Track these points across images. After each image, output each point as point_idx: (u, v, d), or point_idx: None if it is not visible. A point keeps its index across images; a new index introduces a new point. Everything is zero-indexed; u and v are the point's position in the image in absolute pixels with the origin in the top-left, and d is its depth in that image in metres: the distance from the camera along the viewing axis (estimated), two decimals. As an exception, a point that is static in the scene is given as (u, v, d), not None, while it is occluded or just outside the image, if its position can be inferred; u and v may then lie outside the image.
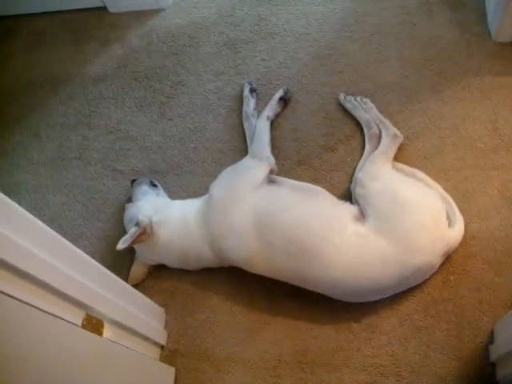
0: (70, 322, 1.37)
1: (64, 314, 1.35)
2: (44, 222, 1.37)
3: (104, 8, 2.92)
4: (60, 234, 1.43)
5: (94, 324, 1.50)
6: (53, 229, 1.40)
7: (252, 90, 2.43)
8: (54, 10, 2.98)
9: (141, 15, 2.86)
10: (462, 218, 2.00)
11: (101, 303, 1.55)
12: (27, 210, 1.31)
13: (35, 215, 1.34)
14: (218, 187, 2.04)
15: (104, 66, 2.75)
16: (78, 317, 1.43)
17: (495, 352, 1.81)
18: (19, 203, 1.28)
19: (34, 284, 1.26)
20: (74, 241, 2.17)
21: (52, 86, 2.74)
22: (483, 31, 2.46)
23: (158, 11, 2.86)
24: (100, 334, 1.52)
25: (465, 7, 2.55)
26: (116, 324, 1.65)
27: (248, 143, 2.29)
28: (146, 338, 1.89)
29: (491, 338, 1.88)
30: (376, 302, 1.96)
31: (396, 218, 1.88)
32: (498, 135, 2.21)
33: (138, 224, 1.98)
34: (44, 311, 1.27)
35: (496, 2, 2.33)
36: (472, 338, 1.90)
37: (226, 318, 2.05)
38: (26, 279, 1.24)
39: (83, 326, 1.43)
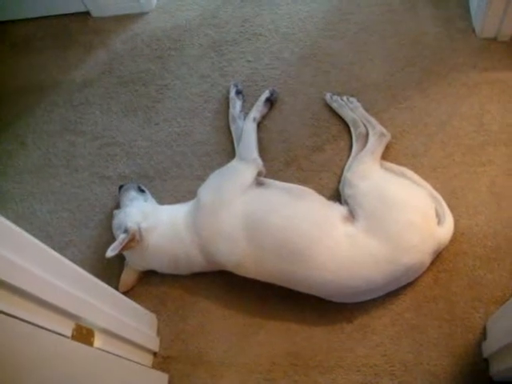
0: (59, 334, 1.35)
1: (53, 326, 1.33)
2: (32, 230, 1.36)
3: (87, 13, 2.91)
4: (48, 242, 1.43)
5: (84, 334, 1.48)
6: (41, 237, 1.38)
7: (238, 92, 2.42)
8: (38, 15, 2.97)
9: (124, 19, 2.85)
10: (451, 216, 2.00)
11: (90, 312, 1.54)
12: (14, 219, 1.29)
13: (23, 224, 1.33)
14: (206, 191, 2.04)
15: (89, 72, 2.73)
16: (67, 328, 1.41)
17: (488, 348, 1.81)
18: (6, 212, 1.27)
19: (20, 296, 1.24)
20: (62, 249, 2.20)
21: (37, 93, 2.72)
22: (467, 27, 2.47)
23: (141, 15, 2.85)
24: (90, 343, 1.51)
25: (448, 3, 2.56)
26: (107, 333, 1.63)
27: (235, 145, 2.28)
28: (138, 346, 1.88)
29: (484, 335, 1.88)
30: (368, 301, 1.96)
31: (385, 217, 1.87)
32: (484, 131, 2.21)
33: (126, 231, 1.97)
34: (32, 324, 1.25)
35: (479, -3, 2.34)
36: (464, 334, 1.90)
37: (219, 323, 2.04)
38: (12, 292, 1.22)
39: (73, 337, 1.41)
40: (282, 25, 2.66)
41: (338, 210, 1.96)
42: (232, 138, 2.34)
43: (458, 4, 2.54)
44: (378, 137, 2.14)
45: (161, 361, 2.02)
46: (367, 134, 2.19)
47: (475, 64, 2.36)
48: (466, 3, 2.52)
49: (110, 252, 1.90)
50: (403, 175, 2.08)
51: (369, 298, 1.94)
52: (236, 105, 2.38)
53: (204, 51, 2.66)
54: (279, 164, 2.28)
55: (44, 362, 1.25)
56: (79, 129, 2.57)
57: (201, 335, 2.04)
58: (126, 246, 1.95)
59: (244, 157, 2.13)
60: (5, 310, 1.17)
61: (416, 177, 2.09)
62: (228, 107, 2.41)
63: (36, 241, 1.36)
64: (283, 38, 2.62)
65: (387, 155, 2.17)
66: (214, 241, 1.94)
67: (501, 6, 2.25)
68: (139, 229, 2.00)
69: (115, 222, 2.10)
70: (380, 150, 2.13)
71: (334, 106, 2.34)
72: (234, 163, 2.14)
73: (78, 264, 1.57)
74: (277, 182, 2.08)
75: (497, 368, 1.76)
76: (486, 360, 1.84)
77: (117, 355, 1.65)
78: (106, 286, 1.74)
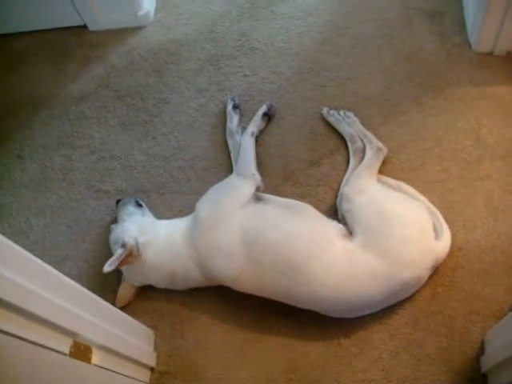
0: (57, 351, 1.34)
1: (51, 343, 1.32)
2: (28, 244, 1.36)
3: (84, 26, 2.91)
4: (45, 256, 1.42)
5: (81, 351, 1.47)
6: (37, 251, 1.38)
7: (235, 107, 2.42)
8: (34, 29, 2.96)
9: (121, 33, 2.86)
10: (448, 230, 2.00)
11: (88, 329, 1.53)
12: (10, 233, 1.29)
13: (19, 238, 1.32)
14: (204, 206, 2.03)
15: (86, 85, 2.73)
16: (65, 345, 1.40)
17: (486, 363, 1.81)
18: (2, 227, 1.26)
19: (16, 313, 1.23)
20: (59, 263, 2.19)
21: (34, 107, 2.72)
22: (463, 42, 2.48)
23: (138, 29, 2.85)
24: (88, 360, 1.50)
25: (444, 18, 2.57)
26: (104, 349, 1.62)
27: (233, 160, 2.28)
28: (136, 361, 1.87)
29: (482, 349, 1.87)
30: (365, 316, 1.95)
31: (383, 232, 1.88)
32: (481, 145, 2.22)
33: (124, 245, 1.95)
34: (29, 341, 1.24)
35: (474, 12, 2.36)
36: (462, 349, 1.89)
37: (216, 338, 2.04)
38: (8, 309, 1.20)
39: (71, 354, 1.41)
40: (279, 39, 2.67)
41: (335, 226, 1.96)
42: (229, 152, 2.34)
43: (454, 19, 2.55)
44: (375, 151, 2.15)
45: (158, 376, 2.00)
46: (364, 149, 2.19)
47: (471, 79, 2.38)
48: (462, 18, 2.54)
49: (108, 267, 1.89)
50: (400, 189, 2.09)
51: (367, 312, 1.94)
52: (233, 119, 2.38)
53: (201, 65, 2.66)
54: (277, 179, 2.29)
55: (42, 380, 1.25)
56: (76, 142, 2.57)
57: (198, 350, 2.03)
58: (124, 261, 1.95)
59: (242, 172, 2.13)
60: (1, 327, 1.16)
61: (413, 191, 2.10)
62: (225, 121, 2.41)
63: (32, 256, 1.35)
64: (280, 52, 2.63)
65: (384, 169, 2.17)
66: (211, 256, 1.93)
67: (496, 20, 2.26)
68: (137, 243, 1.99)
69: (112, 236, 2.09)
70: (377, 164, 2.13)
71: (331, 120, 2.34)
72: (232, 178, 2.14)
73: (74, 279, 1.57)
74: (275, 198, 2.07)
75: (495, 383, 1.76)
76: (484, 375, 1.83)
77: (114, 371, 1.65)
78: (103, 301, 1.73)
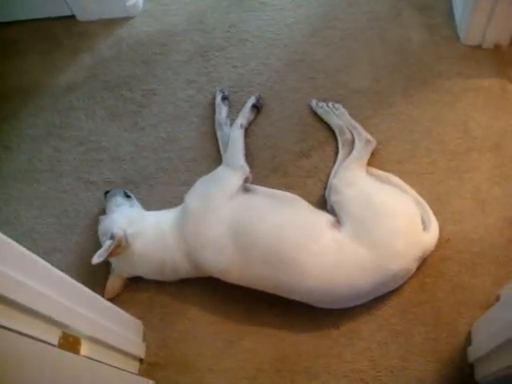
0: (45, 342, 1.34)
1: (39, 335, 1.32)
2: (16, 236, 1.35)
3: (73, 17, 2.88)
4: (33, 248, 1.41)
5: (70, 342, 1.47)
6: (26, 243, 1.38)
7: (224, 98, 2.41)
8: (22, 18, 2.93)
9: (110, 23, 2.83)
10: (436, 222, 2.01)
11: (77, 320, 1.53)
12: (-1, 225, 1.28)
13: (7, 229, 1.31)
14: (192, 197, 2.03)
15: (74, 76, 2.71)
16: (54, 336, 1.40)
17: (473, 353, 1.83)
18: (-10, 218, 1.25)
19: (4, 304, 1.23)
20: (47, 255, 2.18)
21: (22, 97, 2.70)
22: (452, 34, 2.49)
23: (127, 19, 2.83)
24: (77, 351, 1.49)
25: (433, 11, 2.57)
26: (93, 340, 1.61)
27: (222, 152, 2.28)
28: (124, 353, 1.87)
29: (469, 340, 1.89)
30: (354, 307, 1.96)
31: (371, 224, 1.88)
32: (469, 137, 2.23)
33: (112, 237, 1.95)
34: (17, 332, 1.24)
35: (463, 6, 2.36)
36: (450, 339, 1.91)
37: (205, 329, 2.04)
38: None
39: (60, 345, 1.40)
40: (268, 30, 2.66)
41: (324, 216, 1.97)
42: (218, 143, 2.33)
43: (442, 12, 2.55)
44: (363, 143, 2.15)
45: (147, 367, 2.01)
46: (353, 141, 2.20)
47: (460, 71, 2.38)
48: (451, 11, 2.54)
49: (96, 258, 1.89)
50: (389, 181, 2.09)
51: (356, 303, 1.95)
52: (222, 111, 2.38)
53: (190, 56, 2.65)
54: (265, 170, 2.28)
55: (30, 371, 1.24)
56: (64, 133, 2.55)
57: (187, 342, 2.03)
58: (112, 253, 1.94)
59: (231, 163, 2.12)
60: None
61: (401, 183, 2.10)
62: (214, 113, 2.41)
63: (21, 247, 1.35)
64: (269, 43, 2.62)
65: (373, 161, 2.18)
66: (200, 247, 1.93)
67: (484, 14, 2.27)
68: (125, 235, 1.98)
69: (101, 227, 2.09)
70: (366, 156, 2.14)
71: (320, 112, 2.34)
72: (220, 170, 2.13)
73: (63, 270, 1.56)
74: (263, 189, 2.07)
75: (482, 373, 1.78)
76: (471, 365, 1.85)
77: (103, 363, 1.64)
78: (92, 293, 1.73)
